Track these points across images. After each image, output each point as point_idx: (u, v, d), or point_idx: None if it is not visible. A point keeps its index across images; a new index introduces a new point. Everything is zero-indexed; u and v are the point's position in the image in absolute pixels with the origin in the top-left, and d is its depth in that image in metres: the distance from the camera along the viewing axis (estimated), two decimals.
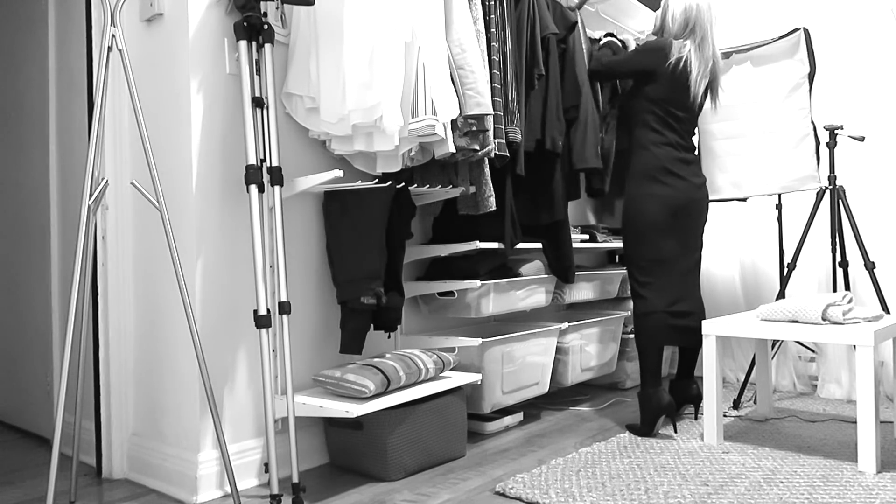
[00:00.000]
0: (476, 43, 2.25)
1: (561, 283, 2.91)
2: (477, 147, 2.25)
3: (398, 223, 2.25)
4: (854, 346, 2.98)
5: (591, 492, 1.91)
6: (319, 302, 2.29)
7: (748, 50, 2.81)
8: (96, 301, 2.17)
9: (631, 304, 3.47)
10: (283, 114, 2.19)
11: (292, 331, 2.20)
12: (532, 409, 2.95)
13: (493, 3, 2.37)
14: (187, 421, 1.99)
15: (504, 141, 2.36)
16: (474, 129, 2.22)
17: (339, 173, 2.01)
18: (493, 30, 2.36)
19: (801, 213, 3.27)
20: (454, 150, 2.18)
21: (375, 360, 2.13)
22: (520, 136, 2.42)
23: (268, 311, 1.85)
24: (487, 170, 2.40)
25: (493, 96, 2.32)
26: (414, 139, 2.13)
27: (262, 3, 1.97)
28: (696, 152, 2.98)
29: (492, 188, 2.40)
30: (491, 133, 2.31)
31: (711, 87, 2.58)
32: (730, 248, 3.49)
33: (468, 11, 2.26)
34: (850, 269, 3.05)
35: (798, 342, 3.23)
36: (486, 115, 2.22)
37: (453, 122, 2.21)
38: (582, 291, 3.21)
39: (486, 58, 2.34)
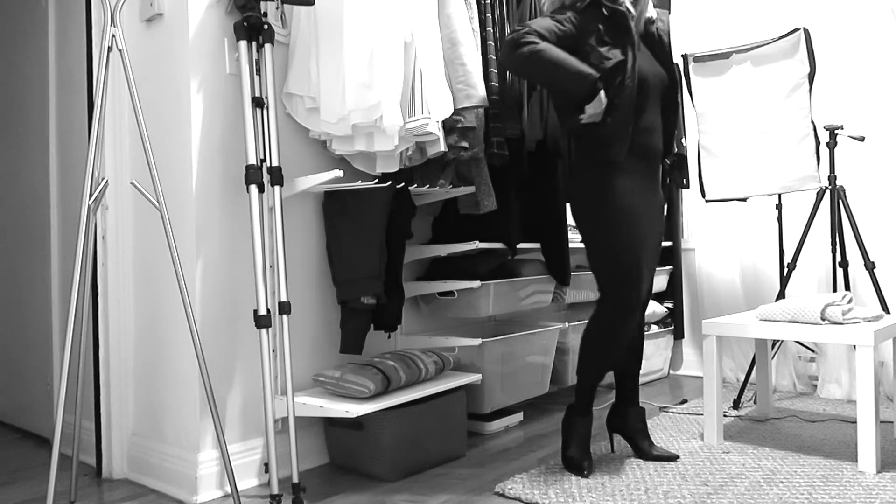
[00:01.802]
0: (471, 37, 2.23)
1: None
2: (466, 144, 2.23)
3: (398, 223, 2.25)
4: (854, 346, 2.98)
5: (591, 492, 1.91)
6: (319, 302, 2.29)
7: (748, 50, 2.81)
8: (96, 301, 2.17)
9: None
10: (283, 114, 2.19)
11: (292, 331, 2.20)
12: (532, 409, 2.95)
13: (489, 1, 2.36)
14: (187, 421, 1.99)
15: (503, 139, 2.36)
16: (460, 125, 2.20)
17: (339, 173, 2.01)
18: (489, 28, 2.36)
19: (801, 213, 3.27)
20: (446, 149, 2.18)
21: (375, 360, 2.14)
22: (518, 133, 2.41)
23: (268, 311, 1.85)
24: (486, 169, 2.40)
25: (490, 94, 2.32)
26: (411, 138, 2.13)
27: (262, 3, 1.97)
28: (697, 153, 2.98)
29: (491, 188, 2.40)
30: (481, 132, 2.29)
31: None
32: (730, 249, 3.49)
33: (463, 7, 2.25)
34: (850, 269, 3.04)
35: (798, 342, 3.22)
36: (478, 107, 2.19)
37: (444, 120, 2.20)
38: (582, 291, 3.21)
39: (485, 55, 2.33)
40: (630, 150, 2.01)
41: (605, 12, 2.01)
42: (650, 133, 2.08)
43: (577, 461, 2.06)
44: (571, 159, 2.12)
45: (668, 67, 2.15)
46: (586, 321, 3.08)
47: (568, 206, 3.01)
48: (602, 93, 1.93)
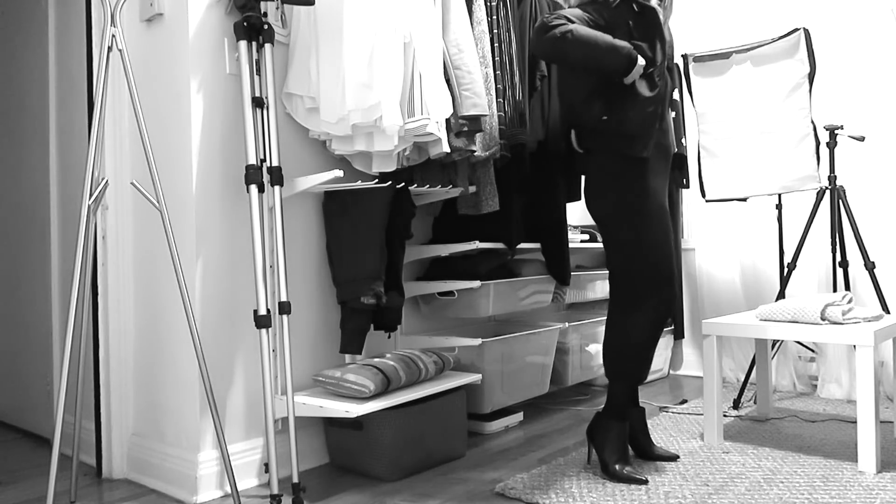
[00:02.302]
0: (473, 43, 2.24)
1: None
2: (475, 147, 2.25)
3: (398, 223, 2.25)
4: (854, 346, 2.98)
5: (591, 492, 1.91)
6: (319, 302, 2.29)
7: (748, 50, 2.81)
8: (96, 301, 2.17)
9: None
10: (283, 114, 2.19)
11: (292, 331, 2.20)
12: (532, 409, 2.95)
13: (496, 3, 2.37)
14: (187, 421, 1.99)
15: (508, 142, 2.36)
16: (465, 129, 2.21)
17: (339, 173, 2.01)
18: (496, 30, 2.36)
19: (801, 213, 3.27)
20: (449, 150, 2.18)
21: (375, 360, 2.13)
22: (527, 138, 2.42)
23: (268, 311, 1.85)
24: (492, 170, 2.41)
25: (496, 97, 2.32)
26: (410, 139, 2.13)
27: (262, 3, 1.97)
28: (697, 153, 2.98)
29: (496, 188, 2.40)
30: (497, 134, 2.30)
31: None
32: (730, 249, 3.49)
33: (465, 12, 2.26)
34: (850, 269, 3.05)
35: (798, 342, 3.22)
36: (482, 115, 2.21)
37: (447, 121, 2.21)
38: (582, 291, 3.21)
39: (490, 58, 2.33)
40: (652, 151, 2.03)
41: (636, 8, 2.03)
42: (666, 133, 2.11)
43: (629, 472, 1.99)
44: (589, 160, 2.11)
45: (671, 74, 2.19)
46: (585, 321, 3.09)
47: (571, 207, 3.02)
48: (640, 59, 1.94)
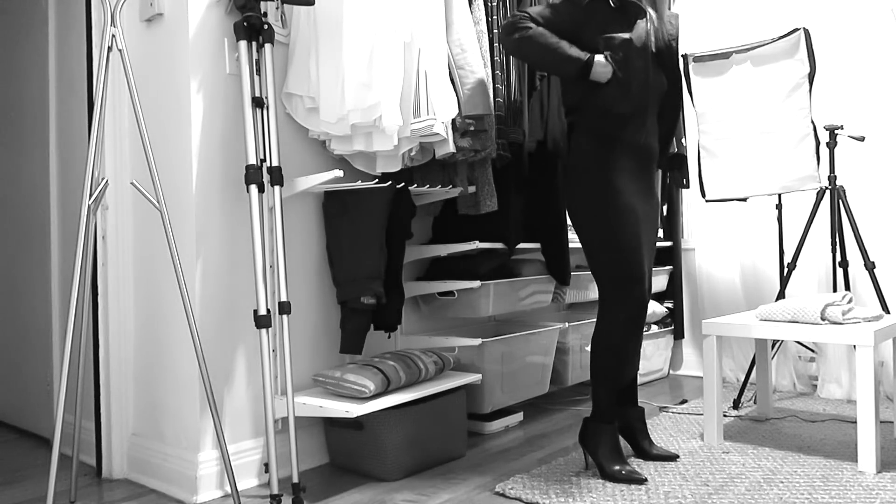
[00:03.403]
0: (476, 43, 2.25)
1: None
2: (478, 147, 2.25)
3: (398, 223, 2.25)
4: (854, 346, 2.98)
5: (591, 492, 1.91)
6: (319, 302, 2.29)
7: (748, 50, 2.81)
8: (96, 301, 2.17)
9: None
10: (283, 114, 2.19)
11: (292, 331, 2.20)
12: (532, 409, 2.95)
13: (495, 3, 2.37)
14: (187, 421, 1.99)
15: (506, 141, 2.36)
16: (472, 128, 2.22)
17: (339, 173, 2.01)
18: (495, 30, 2.36)
19: (801, 213, 3.27)
20: (455, 150, 2.18)
21: (375, 360, 2.14)
22: (521, 138, 2.42)
23: (268, 311, 1.85)
24: (490, 170, 2.41)
25: (495, 97, 2.33)
26: (416, 139, 2.13)
27: (262, 3, 1.97)
28: (697, 153, 2.97)
29: (494, 188, 2.40)
30: (493, 133, 2.31)
31: None
32: (730, 249, 3.49)
33: (468, 12, 2.26)
34: (850, 269, 3.05)
35: (798, 342, 3.22)
36: (486, 115, 2.22)
37: (453, 121, 2.21)
38: (582, 291, 3.21)
39: (489, 58, 2.34)
40: (627, 152, 2.03)
41: (613, 4, 2.03)
42: (647, 135, 2.09)
43: (628, 472, 1.98)
44: (568, 160, 2.12)
45: (671, 72, 2.16)
46: (585, 321, 3.09)
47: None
48: (597, 60, 1.98)
